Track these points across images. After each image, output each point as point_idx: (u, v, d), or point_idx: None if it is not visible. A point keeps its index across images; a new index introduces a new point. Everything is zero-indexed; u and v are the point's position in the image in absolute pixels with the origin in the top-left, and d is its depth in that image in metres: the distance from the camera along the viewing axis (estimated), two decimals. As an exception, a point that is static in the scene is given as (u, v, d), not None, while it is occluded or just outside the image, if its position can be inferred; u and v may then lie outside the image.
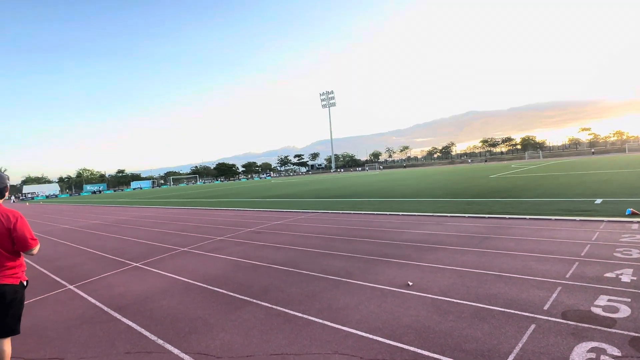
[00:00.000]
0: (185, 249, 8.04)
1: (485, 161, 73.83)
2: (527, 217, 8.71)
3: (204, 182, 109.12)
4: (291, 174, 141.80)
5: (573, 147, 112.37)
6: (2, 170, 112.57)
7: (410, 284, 4.57)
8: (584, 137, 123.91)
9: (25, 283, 2.85)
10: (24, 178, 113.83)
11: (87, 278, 6.19)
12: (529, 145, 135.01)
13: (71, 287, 5.74)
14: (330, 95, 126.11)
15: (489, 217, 9.12)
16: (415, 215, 10.41)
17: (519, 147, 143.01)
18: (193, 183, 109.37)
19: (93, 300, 4.94)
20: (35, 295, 5.37)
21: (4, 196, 2.91)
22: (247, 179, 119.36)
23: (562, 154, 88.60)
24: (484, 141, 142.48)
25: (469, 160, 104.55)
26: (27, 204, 49.97)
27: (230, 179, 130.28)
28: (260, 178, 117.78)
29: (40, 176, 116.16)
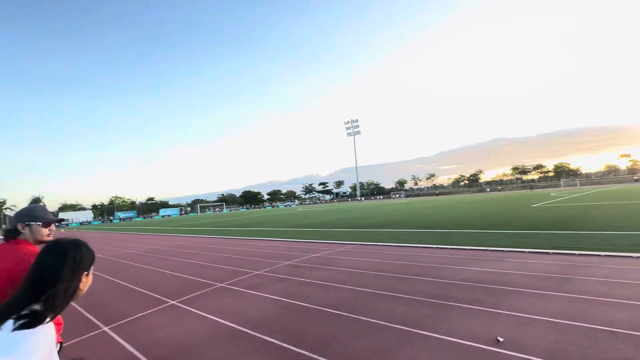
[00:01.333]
0: (222, 284, 7.50)
1: (531, 188, 70.96)
2: (602, 253, 7.71)
3: (230, 210, 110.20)
4: (316, 201, 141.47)
5: (612, 174, 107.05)
6: (40, 198, 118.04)
7: (501, 339, 3.80)
8: (623, 164, 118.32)
9: (58, 345, 2.33)
10: (60, 205, 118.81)
11: (123, 318, 5.71)
12: (562, 172, 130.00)
13: (106, 329, 5.26)
14: (355, 124, 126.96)
15: (554, 253, 8.16)
16: (467, 249, 9.53)
17: (551, 174, 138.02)
18: (219, 211, 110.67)
19: (131, 348, 4.40)
20: (68, 338, 4.91)
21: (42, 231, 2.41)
22: (272, 206, 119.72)
23: (601, 181, 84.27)
24: (515, 168, 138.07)
25: (499, 188, 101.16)
26: (62, 230, 51.49)
27: (256, 206, 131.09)
28: (285, 206, 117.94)
29: (75, 203, 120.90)
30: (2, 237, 2.31)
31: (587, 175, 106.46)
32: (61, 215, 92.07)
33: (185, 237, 20.95)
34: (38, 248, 2.23)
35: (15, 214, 2.30)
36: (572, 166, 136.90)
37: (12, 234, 2.21)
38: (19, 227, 2.21)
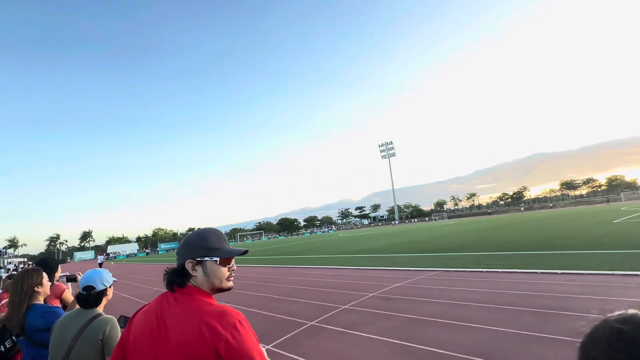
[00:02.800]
0: (313, 322, 6.45)
1: (608, 201, 65.98)
2: None
3: (268, 238, 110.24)
4: (352, 226, 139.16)
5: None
6: (90, 231, 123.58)
7: None
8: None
9: None
10: (108, 238, 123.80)
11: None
12: (617, 185, 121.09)
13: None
14: (389, 146, 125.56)
15: None
16: (588, 273, 7.99)
17: (603, 187, 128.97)
18: (258, 239, 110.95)
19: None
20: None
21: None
22: (310, 233, 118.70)
23: (667, 193, 77.05)
24: (565, 183, 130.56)
25: (551, 205, 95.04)
26: (112, 263, 52.82)
27: (293, 233, 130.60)
28: (323, 232, 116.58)
29: (121, 236, 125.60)
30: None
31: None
32: (110, 248, 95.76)
33: (237, 267, 20.20)
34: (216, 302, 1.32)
35: (181, 245, 1.41)
36: (628, 178, 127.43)
37: (179, 278, 1.32)
38: (189, 266, 1.32)
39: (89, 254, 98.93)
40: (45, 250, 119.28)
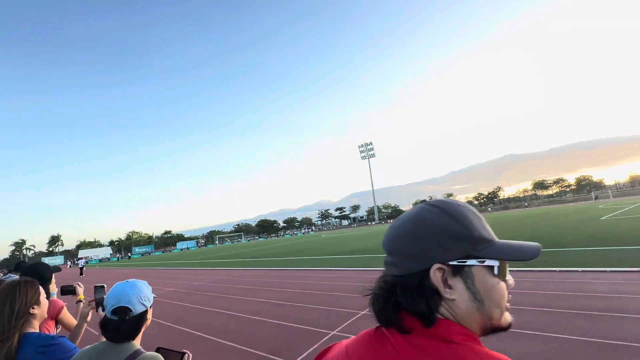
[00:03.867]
0: (335, 332, 5.75)
1: (596, 198, 67.42)
2: None
3: (247, 240, 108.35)
4: (332, 227, 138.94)
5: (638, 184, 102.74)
6: (59, 236, 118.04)
7: None
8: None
9: None
10: (78, 243, 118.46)
11: (239, 394, 4.01)
12: (585, 185, 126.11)
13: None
14: (369, 147, 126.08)
15: None
16: (609, 271, 7.66)
17: (573, 187, 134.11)
18: (238, 241, 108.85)
19: None
20: None
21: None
22: (290, 234, 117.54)
23: (634, 192, 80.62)
24: (538, 183, 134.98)
25: (526, 205, 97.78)
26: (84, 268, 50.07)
27: (273, 235, 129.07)
28: (303, 233, 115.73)
29: (92, 240, 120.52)
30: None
31: (618, 187, 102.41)
32: (81, 253, 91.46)
33: (223, 270, 19.20)
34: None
35: (405, 231, 0.69)
36: (595, 178, 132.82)
37: (421, 304, 0.63)
38: (437, 276, 0.63)
39: (58, 259, 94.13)
40: (10, 256, 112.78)
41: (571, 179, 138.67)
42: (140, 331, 1.49)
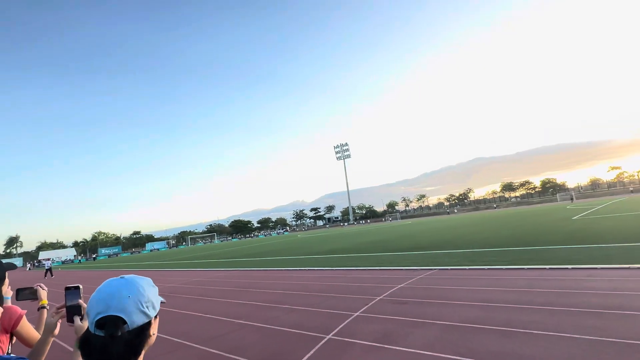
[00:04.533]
0: (330, 335, 5.30)
1: (572, 199, 68.85)
2: None
3: (221, 241, 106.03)
4: (307, 228, 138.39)
5: (598, 188, 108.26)
6: (17, 237, 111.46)
7: None
8: (609, 177, 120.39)
9: None
10: (39, 244, 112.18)
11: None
12: (549, 187, 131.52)
13: None
14: (345, 147, 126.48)
15: None
16: (599, 268, 7.61)
17: (538, 189, 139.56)
18: (210, 242, 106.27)
19: None
20: None
21: None
22: (265, 235, 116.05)
23: (595, 194, 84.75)
24: (507, 185, 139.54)
25: (495, 206, 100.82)
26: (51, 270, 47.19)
27: (247, 236, 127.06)
28: (277, 233, 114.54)
29: (55, 241, 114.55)
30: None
31: (580, 189, 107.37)
32: (42, 254, 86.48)
33: (198, 271, 18.33)
34: None
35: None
36: (558, 181, 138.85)
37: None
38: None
39: (17, 262, 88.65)
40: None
41: (536, 181, 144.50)
42: (140, 355, 0.99)
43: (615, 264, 7.77)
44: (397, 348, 4.51)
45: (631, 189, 74.28)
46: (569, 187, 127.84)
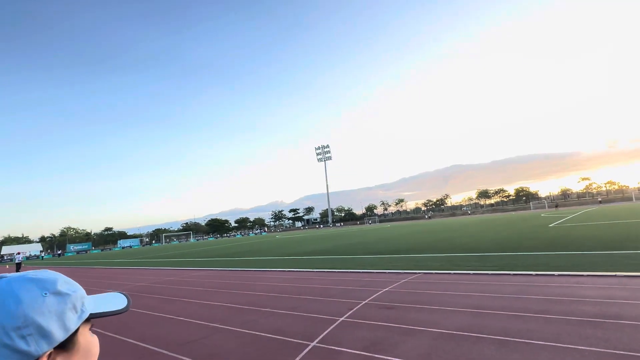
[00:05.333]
0: (315, 342, 4.88)
1: (556, 206, 70.29)
2: None
3: (197, 240, 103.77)
4: (285, 228, 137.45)
5: (568, 198, 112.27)
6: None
7: None
8: (578, 187, 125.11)
9: None
10: (3, 238, 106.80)
11: None
12: (523, 195, 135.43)
13: None
14: (326, 149, 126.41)
15: None
16: (585, 275, 7.50)
17: (512, 197, 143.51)
18: (186, 240, 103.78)
19: None
20: None
21: None
22: (242, 235, 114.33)
23: (566, 203, 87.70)
24: (483, 192, 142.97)
25: (469, 212, 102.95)
26: (7, 266, 44.75)
27: (224, 235, 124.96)
28: (255, 234, 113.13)
29: (20, 235, 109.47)
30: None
31: (552, 198, 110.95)
32: (5, 249, 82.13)
33: (171, 269, 17.53)
34: None
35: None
36: (532, 190, 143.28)
37: None
38: None
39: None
40: None
41: (511, 189, 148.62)
42: None
43: (601, 272, 7.68)
44: (390, 358, 4.14)
45: (600, 199, 77.32)
46: (541, 196, 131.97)
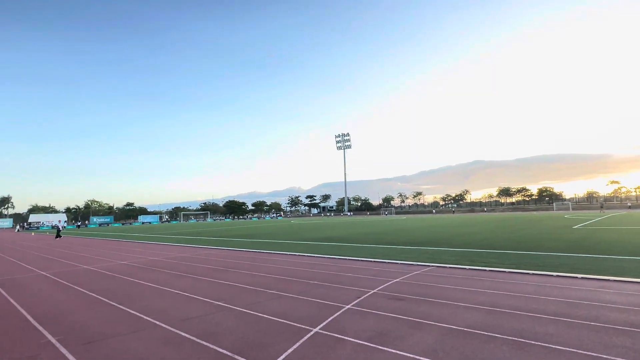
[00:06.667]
0: (317, 329, 4.70)
1: (601, 207, 66.20)
2: None
3: (214, 220, 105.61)
4: (301, 214, 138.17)
5: (594, 200, 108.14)
6: (9, 197, 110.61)
7: None
8: (606, 190, 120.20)
9: None
10: (31, 207, 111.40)
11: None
12: (546, 196, 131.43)
13: None
14: (346, 137, 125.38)
15: None
16: (612, 280, 7.03)
17: (535, 197, 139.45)
18: (203, 220, 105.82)
19: None
20: None
21: None
22: (258, 218, 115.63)
23: (591, 206, 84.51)
24: (504, 190, 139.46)
25: (485, 210, 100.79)
26: (33, 233, 46.68)
27: (241, 217, 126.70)
28: (271, 217, 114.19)
29: (47, 205, 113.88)
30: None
31: (577, 201, 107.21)
32: (32, 217, 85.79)
33: (186, 247, 17.75)
34: None
35: None
36: (556, 190, 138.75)
37: None
38: None
39: (7, 222, 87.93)
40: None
41: (534, 189, 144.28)
42: None
43: (630, 277, 7.19)
44: (394, 351, 3.90)
45: (629, 204, 74.09)
46: (565, 197, 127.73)
